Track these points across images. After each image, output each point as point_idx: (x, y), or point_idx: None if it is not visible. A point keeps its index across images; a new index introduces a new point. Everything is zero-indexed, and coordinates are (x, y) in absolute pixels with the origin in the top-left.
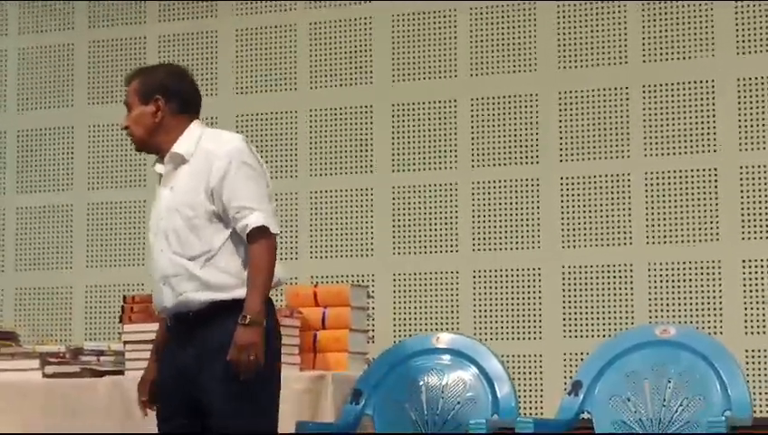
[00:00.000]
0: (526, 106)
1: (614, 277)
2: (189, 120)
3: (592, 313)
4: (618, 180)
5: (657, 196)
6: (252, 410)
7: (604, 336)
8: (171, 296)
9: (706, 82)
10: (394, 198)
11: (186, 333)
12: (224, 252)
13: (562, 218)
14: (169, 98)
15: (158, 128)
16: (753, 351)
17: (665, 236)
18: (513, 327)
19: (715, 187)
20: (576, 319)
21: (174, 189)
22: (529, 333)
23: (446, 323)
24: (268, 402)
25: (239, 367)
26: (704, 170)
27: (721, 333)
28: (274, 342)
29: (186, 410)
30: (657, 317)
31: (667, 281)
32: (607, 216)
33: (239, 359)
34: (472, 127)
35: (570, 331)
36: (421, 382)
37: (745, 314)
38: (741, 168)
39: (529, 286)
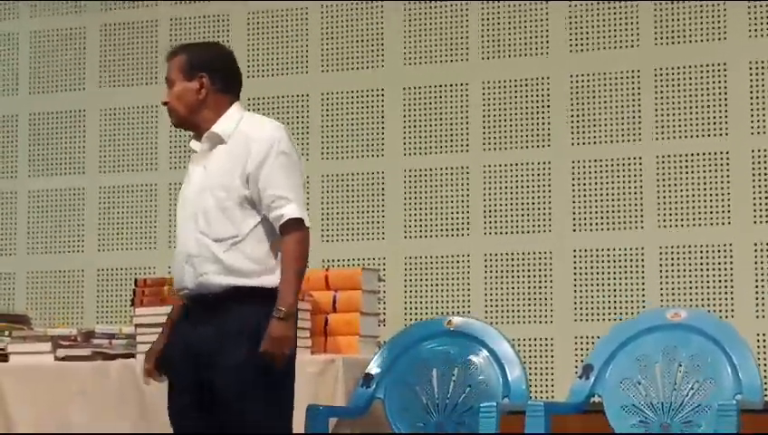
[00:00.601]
0: (538, 90)
1: (625, 261)
2: (230, 101)
3: (603, 296)
4: (629, 164)
5: (669, 179)
6: (268, 398)
7: (615, 320)
8: (192, 276)
9: (718, 65)
10: (405, 182)
11: (203, 314)
12: (251, 238)
13: (574, 202)
14: (214, 76)
15: (200, 105)
16: (764, 334)
17: (676, 220)
18: (524, 311)
19: (727, 170)
20: (587, 303)
21: (208, 169)
22: (540, 316)
23: (458, 307)
24: (285, 391)
25: (273, 359)
26: (715, 154)
27: (732, 316)
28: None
29: (194, 388)
30: (668, 301)
31: (678, 265)
32: (618, 199)
33: (273, 351)
34: (483, 110)
35: (581, 314)
36: (432, 366)
37: (757, 298)
38: (753, 151)
39: (540, 270)
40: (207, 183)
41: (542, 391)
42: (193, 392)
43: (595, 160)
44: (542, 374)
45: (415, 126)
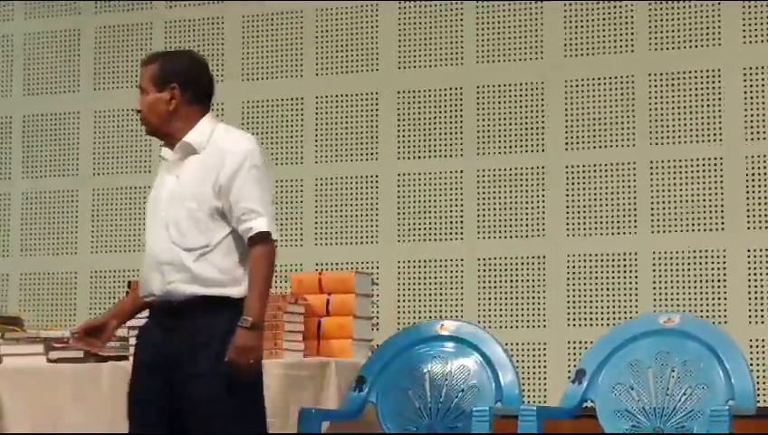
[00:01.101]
0: (532, 94)
1: (619, 266)
2: (202, 112)
3: (597, 301)
4: (623, 169)
5: (663, 185)
6: (237, 407)
7: (608, 325)
8: (160, 283)
9: (713, 71)
10: (399, 186)
11: (170, 323)
12: (220, 249)
13: (567, 207)
14: (185, 87)
15: (171, 116)
16: (757, 340)
17: (670, 226)
18: (517, 315)
19: (721, 176)
20: (580, 307)
21: (180, 179)
22: (533, 321)
23: (451, 311)
24: (253, 399)
25: (238, 369)
26: (709, 160)
27: (725, 322)
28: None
29: (161, 399)
30: (661, 306)
31: (671, 270)
32: (612, 204)
33: (239, 361)
34: (477, 115)
35: (574, 319)
36: (425, 370)
37: (750, 304)
38: (746, 157)
39: (533, 275)
40: (180, 193)
41: (534, 396)
42: (157, 398)
43: (589, 165)
44: (534, 379)
45: (409, 130)
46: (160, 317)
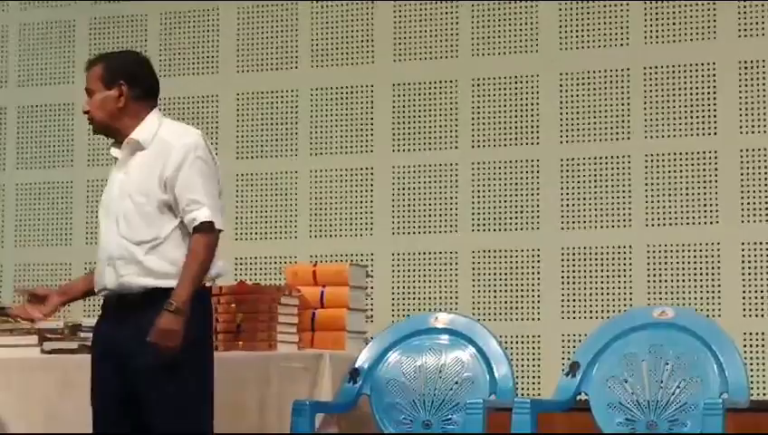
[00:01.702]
0: (527, 87)
1: (613, 259)
2: (149, 107)
3: (591, 294)
4: (618, 162)
5: (657, 178)
6: (182, 398)
7: (602, 318)
8: (113, 277)
9: (707, 64)
10: (394, 178)
11: (123, 316)
12: (170, 241)
13: (562, 200)
14: (132, 84)
15: (120, 113)
16: (751, 333)
17: (664, 219)
18: (511, 308)
19: (716, 169)
20: (574, 300)
21: (128, 175)
22: (527, 313)
23: (445, 303)
24: (198, 391)
25: (159, 350)
26: (704, 153)
27: (719, 315)
28: (201, 330)
29: (116, 386)
30: (655, 299)
31: (666, 263)
32: (606, 197)
33: (159, 344)
34: (473, 107)
35: (568, 312)
36: (419, 362)
37: (744, 297)
38: (741, 151)
39: (528, 267)
40: (128, 188)
41: (528, 389)
42: (115, 390)
43: (584, 158)
44: (528, 372)
45: (404, 122)
46: (113, 311)
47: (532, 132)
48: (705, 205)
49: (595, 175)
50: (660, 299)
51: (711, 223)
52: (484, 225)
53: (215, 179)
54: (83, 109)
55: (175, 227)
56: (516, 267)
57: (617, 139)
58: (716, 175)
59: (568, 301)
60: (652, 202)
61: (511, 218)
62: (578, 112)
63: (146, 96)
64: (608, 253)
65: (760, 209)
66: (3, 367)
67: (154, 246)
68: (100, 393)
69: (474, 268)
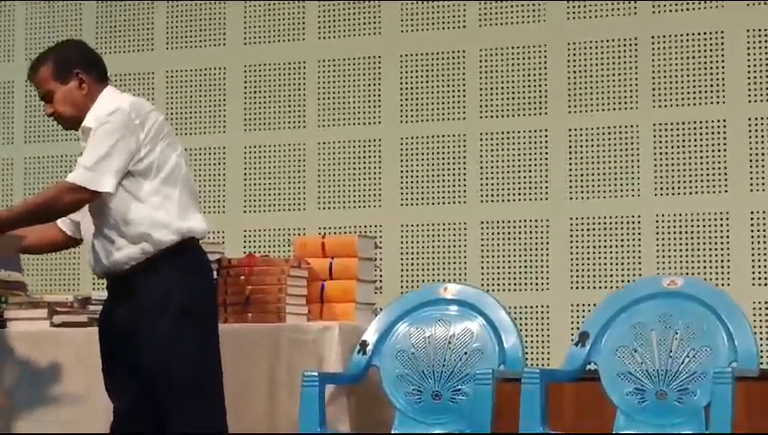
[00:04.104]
0: (535, 57)
1: (622, 229)
2: (102, 89)
3: (600, 264)
4: (626, 132)
5: (666, 147)
6: (184, 369)
7: (611, 288)
8: (100, 258)
9: (716, 33)
10: (402, 149)
11: (119, 293)
12: (131, 204)
13: (570, 170)
14: (88, 69)
15: (86, 100)
16: (760, 302)
17: (673, 188)
18: (520, 278)
19: (724, 138)
20: (583, 270)
21: None
22: (536, 284)
23: (454, 274)
24: (202, 360)
25: None
26: (712, 122)
27: (728, 284)
28: (195, 300)
29: (126, 369)
30: (664, 269)
31: (674, 232)
32: (615, 167)
33: None
34: (480, 78)
35: (577, 282)
36: (428, 333)
37: (753, 266)
38: (749, 119)
39: (536, 238)
40: None
41: (537, 359)
42: (127, 375)
43: (592, 128)
44: (537, 342)
45: (411, 93)
46: (112, 290)
47: (539, 103)
48: (713, 174)
49: (603, 145)
50: (669, 269)
51: (720, 192)
52: (492, 196)
53: (112, 141)
54: (47, 112)
55: (126, 192)
56: (525, 238)
57: (625, 108)
58: (725, 144)
59: (577, 271)
60: (660, 172)
61: (519, 189)
62: (586, 82)
63: (101, 78)
64: (616, 223)
65: None
66: (13, 340)
67: (121, 217)
68: (113, 377)
69: (482, 239)
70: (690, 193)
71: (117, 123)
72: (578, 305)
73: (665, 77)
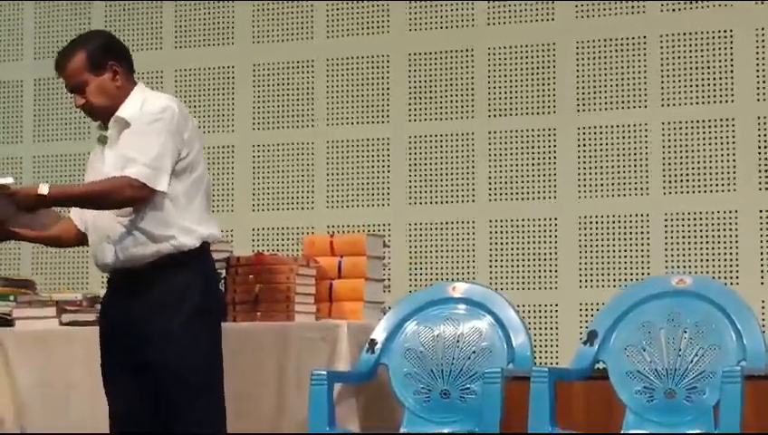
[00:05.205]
0: (543, 55)
1: (630, 227)
2: (133, 82)
3: (608, 263)
4: (635, 130)
5: (674, 146)
6: (189, 368)
7: (620, 286)
8: (113, 252)
9: (724, 31)
10: (410, 148)
11: (130, 289)
12: (164, 204)
13: (579, 168)
14: (120, 60)
15: (119, 92)
16: None
17: (681, 187)
18: (528, 277)
19: (733, 137)
20: (592, 269)
21: (116, 152)
22: (545, 282)
23: (463, 273)
24: (206, 359)
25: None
26: (721, 120)
27: (737, 283)
28: (203, 301)
29: (129, 367)
30: (673, 267)
31: (683, 231)
32: (623, 166)
33: (14, 190)
34: (489, 76)
35: (585, 281)
36: (437, 332)
37: (762, 265)
38: (759, 118)
39: (545, 236)
40: (115, 165)
41: (546, 358)
42: (130, 373)
43: (600, 127)
44: (546, 340)
45: (420, 92)
46: (119, 285)
47: (548, 101)
48: (722, 172)
49: (612, 143)
50: (678, 267)
51: (728, 191)
52: (500, 194)
53: (165, 140)
54: (77, 104)
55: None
56: (533, 236)
57: (633, 107)
58: (734, 142)
59: (585, 270)
60: (669, 170)
61: (528, 187)
62: (594, 81)
63: (132, 70)
64: (625, 221)
65: None
66: (22, 339)
67: (150, 216)
68: (114, 373)
69: (491, 238)
70: (699, 192)
71: (168, 121)
72: (586, 304)
73: (674, 76)
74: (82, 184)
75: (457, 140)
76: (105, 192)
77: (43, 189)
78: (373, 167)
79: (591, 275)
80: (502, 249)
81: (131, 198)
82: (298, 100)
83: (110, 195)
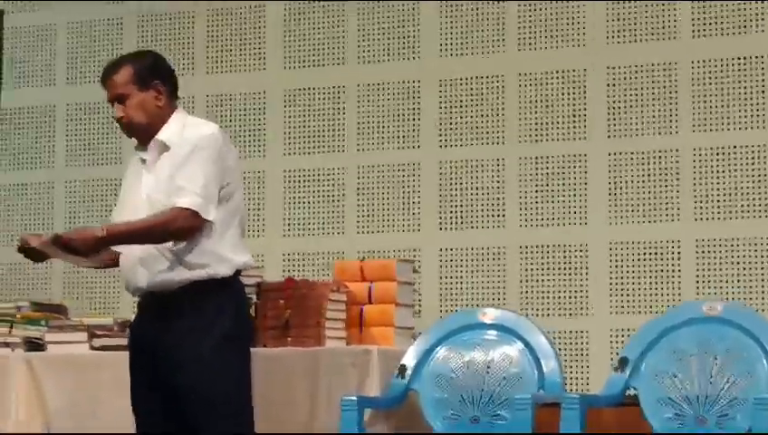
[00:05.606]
0: (574, 81)
1: (662, 254)
2: (175, 106)
3: (639, 289)
4: (666, 156)
5: (706, 172)
6: (217, 393)
7: (651, 313)
8: (145, 276)
9: (757, 57)
10: (441, 174)
11: (161, 314)
12: (202, 235)
13: (610, 194)
14: (166, 82)
15: (160, 112)
16: None
17: (713, 213)
18: (559, 303)
19: (764, 163)
20: (623, 295)
21: (156, 176)
22: (576, 309)
23: (493, 299)
24: (233, 387)
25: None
26: (753, 147)
27: None
28: (234, 327)
29: (158, 390)
30: (704, 294)
31: (714, 258)
32: (655, 192)
33: (66, 239)
34: (519, 102)
35: (616, 307)
36: (467, 358)
37: None
38: None
39: (576, 262)
40: (157, 189)
41: (577, 384)
42: (159, 396)
43: (632, 153)
44: (577, 367)
45: (450, 118)
46: (151, 309)
47: (579, 127)
48: (754, 199)
49: (643, 169)
50: (709, 294)
51: (759, 217)
52: (531, 220)
53: (213, 169)
54: (116, 116)
55: None
56: (564, 262)
57: (665, 133)
58: (766, 169)
59: (616, 296)
60: (701, 196)
61: (558, 213)
62: (625, 107)
63: (175, 94)
64: (656, 248)
65: None
66: (53, 364)
67: (187, 242)
68: (143, 394)
69: (521, 263)
70: (731, 218)
71: (215, 149)
72: (617, 330)
73: (705, 101)
74: (134, 221)
75: (488, 166)
76: (160, 224)
77: (101, 232)
78: (404, 192)
79: (622, 301)
80: (532, 275)
81: (185, 228)
82: (329, 125)
83: (165, 226)
